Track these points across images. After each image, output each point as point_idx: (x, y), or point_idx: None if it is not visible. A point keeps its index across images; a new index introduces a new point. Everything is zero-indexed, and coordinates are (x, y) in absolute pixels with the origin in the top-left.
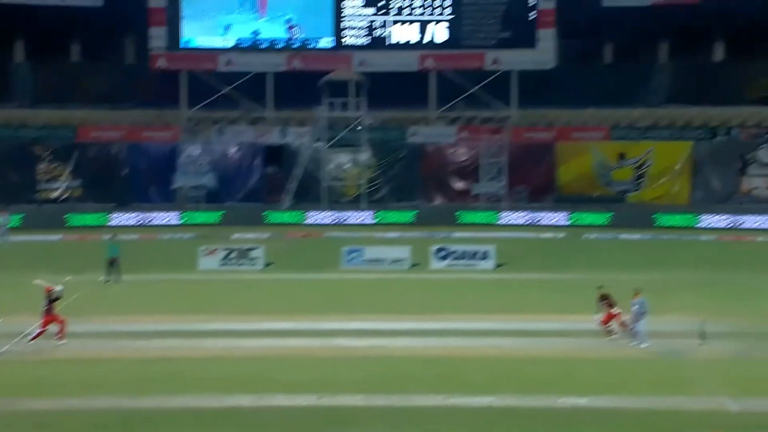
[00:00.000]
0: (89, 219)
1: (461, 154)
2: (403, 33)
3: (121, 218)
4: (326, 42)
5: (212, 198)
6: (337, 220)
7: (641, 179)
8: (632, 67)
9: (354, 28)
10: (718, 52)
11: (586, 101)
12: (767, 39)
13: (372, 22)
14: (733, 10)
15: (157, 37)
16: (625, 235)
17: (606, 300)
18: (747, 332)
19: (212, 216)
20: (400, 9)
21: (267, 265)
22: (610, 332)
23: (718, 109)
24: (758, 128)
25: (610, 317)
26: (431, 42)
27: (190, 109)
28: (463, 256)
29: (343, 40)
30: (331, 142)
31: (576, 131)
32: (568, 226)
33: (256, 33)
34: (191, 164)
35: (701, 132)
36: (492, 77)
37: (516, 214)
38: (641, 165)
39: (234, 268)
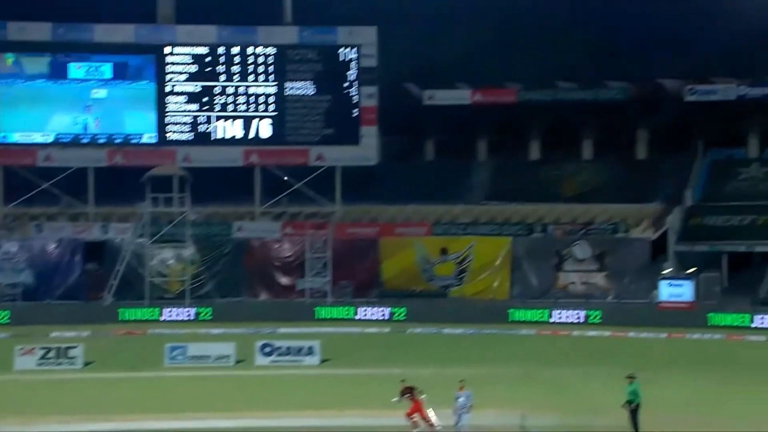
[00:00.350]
0: None
1: (286, 249)
2: (228, 129)
3: None
4: (149, 137)
5: (30, 296)
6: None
7: (463, 274)
8: (453, 164)
9: (178, 124)
10: (535, 151)
11: (409, 197)
12: (580, 139)
13: (196, 117)
14: (548, 111)
15: None
16: (448, 330)
17: (409, 393)
18: (566, 426)
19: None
20: (224, 105)
21: (87, 364)
22: (415, 424)
23: (535, 206)
24: (572, 225)
25: (416, 408)
26: (256, 138)
27: (7, 206)
28: (288, 351)
29: (166, 135)
30: (155, 238)
31: (399, 227)
32: (392, 320)
33: (77, 128)
34: (7, 261)
35: (519, 228)
36: (316, 173)
37: (373, 309)
38: (463, 260)
39: (52, 367)
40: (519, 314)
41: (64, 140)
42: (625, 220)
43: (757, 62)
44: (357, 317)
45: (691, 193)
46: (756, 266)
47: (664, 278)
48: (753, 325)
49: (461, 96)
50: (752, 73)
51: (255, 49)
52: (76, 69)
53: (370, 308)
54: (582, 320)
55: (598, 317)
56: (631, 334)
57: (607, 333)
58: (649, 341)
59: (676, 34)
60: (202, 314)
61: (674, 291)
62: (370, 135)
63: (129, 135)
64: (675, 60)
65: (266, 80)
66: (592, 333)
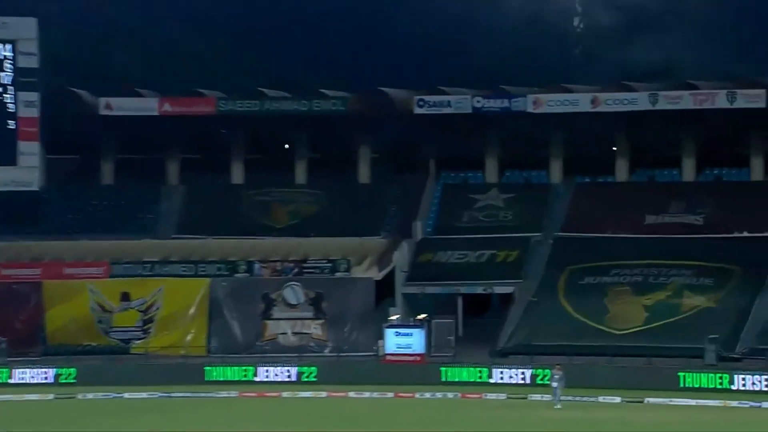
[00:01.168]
0: None
1: None
2: None
3: None
4: None
5: None
6: None
7: (149, 325)
8: (137, 189)
9: None
10: (238, 173)
11: (82, 230)
12: (292, 158)
13: None
14: (253, 124)
15: None
16: (129, 394)
17: None
18: None
19: None
20: None
21: None
22: None
23: (238, 240)
24: (283, 263)
25: None
26: None
27: None
28: None
29: None
30: None
31: (69, 267)
32: (58, 384)
33: None
34: None
35: (219, 267)
36: None
37: (33, 370)
38: (149, 308)
39: None
40: (218, 373)
41: None
42: (346, 256)
43: (494, 72)
44: (12, 380)
45: (422, 225)
46: (494, 310)
47: (391, 326)
48: (492, 381)
49: (146, 106)
50: (489, 84)
51: None
52: None
53: (29, 369)
54: (294, 378)
55: (313, 374)
56: (352, 394)
57: (323, 393)
58: (372, 402)
59: (405, 38)
60: None
61: (402, 341)
62: (30, 152)
63: None
64: (403, 68)
65: None
66: (305, 394)
